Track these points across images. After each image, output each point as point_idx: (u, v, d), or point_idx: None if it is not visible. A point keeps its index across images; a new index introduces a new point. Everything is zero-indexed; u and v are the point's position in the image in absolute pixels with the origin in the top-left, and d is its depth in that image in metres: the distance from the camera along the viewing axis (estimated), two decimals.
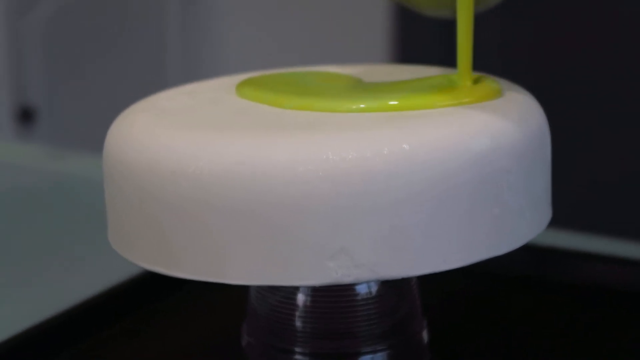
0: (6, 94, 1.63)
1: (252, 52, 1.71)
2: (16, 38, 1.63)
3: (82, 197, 0.72)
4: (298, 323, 0.40)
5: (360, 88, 0.40)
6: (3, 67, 1.62)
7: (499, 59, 1.38)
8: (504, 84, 0.40)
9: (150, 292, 0.50)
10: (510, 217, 0.36)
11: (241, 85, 0.41)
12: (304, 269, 0.34)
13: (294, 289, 0.40)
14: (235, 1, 1.76)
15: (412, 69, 0.44)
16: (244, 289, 0.44)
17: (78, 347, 0.46)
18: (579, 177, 1.30)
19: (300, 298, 0.40)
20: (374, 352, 0.40)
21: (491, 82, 0.39)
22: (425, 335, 0.41)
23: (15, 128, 1.64)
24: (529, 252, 0.42)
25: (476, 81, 0.39)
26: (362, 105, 0.37)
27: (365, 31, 1.57)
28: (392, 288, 0.40)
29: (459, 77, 0.39)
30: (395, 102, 0.37)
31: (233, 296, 0.47)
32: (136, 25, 1.75)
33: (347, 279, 0.34)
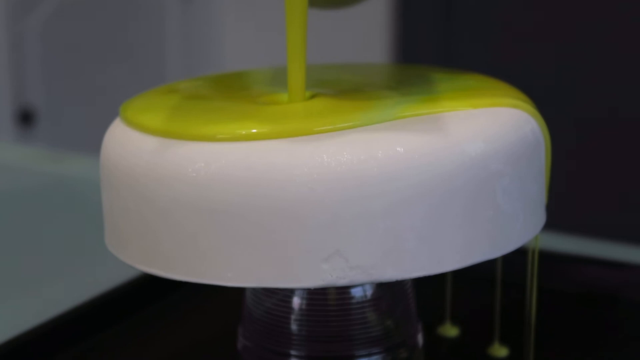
0: (6, 96, 1.63)
1: (251, 51, 1.71)
2: (16, 40, 1.63)
3: (82, 199, 0.72)
4: (293, 326, 0.40)
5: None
6: (3, 69, 1.62)
7: (498, 59, 1.38)
8: (501, 87, 0.40)
9: (147, 294, 0.50)
10: (504, 221, 0.36)
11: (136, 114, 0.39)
12: (299, 271, 0.34)
13: (290, 292, 0.40)
14: (234, 1, 1.76)
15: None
16: (239, 292, 0.44)
17: (74, 350, 0.46)
18: (572, 179, 1.30)
19: (296, 301, 0.40)
20: (369, 355, 0.40)
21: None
22: (420, 338, 0.42)
23: (14, 130, 1.64)
24: (522, 255, 0.42)
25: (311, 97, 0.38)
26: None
27: (366, 30, 1.58)
28: (387, 291, 0.40)
29: (290, 96, 0.38)
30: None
31: (229, 299, 0.47)
32: (135, 27, 1.75)
33: (341, 282, 0.34)
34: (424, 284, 0.42)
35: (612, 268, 0.51)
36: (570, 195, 1.30)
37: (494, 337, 0.45)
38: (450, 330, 0.47)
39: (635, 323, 0.48)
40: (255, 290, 0.41)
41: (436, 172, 0.34)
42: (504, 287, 0.46)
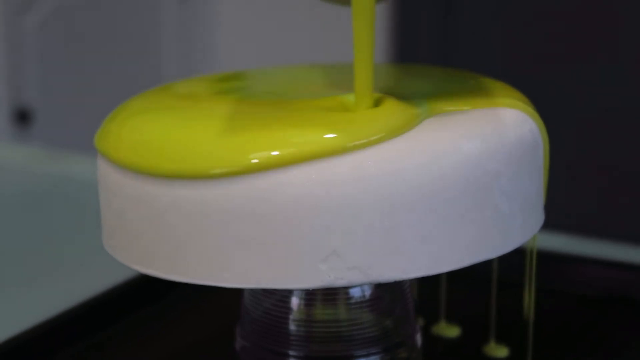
0: (3, 95, 1.63)
1: (248, 51, 1.71)
2: (13, 40, 1.63)
3: (79, 199, 0.72)
4: (292, 326, 0.40)
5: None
6: (0, 68, 1.62)
7: (499, 59, 1.38)
8: (499, 87, 0.40)
9: (145, 295, 0.50)
10: (502, 221, 0.36)
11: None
12: (297, 271, 0.34)
13: (288, 292, 0.40)
14: (232, 1, 1.76)
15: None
16: (237, 292, 0.44)
17: (72, 350, 0.46)
18: (573, 180, 1.30)
19: (294, 301, 0.40)
20: (367, 355, 0.40)
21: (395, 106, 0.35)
22: (418, 338, 0.42)
23: (11, 130, 1.64)
24: (521, 255, 0.42)
25: (377, 103, 0.35)
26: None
27: None
28: (385, 291, 0.40)
29: (356, 100, 0.35)
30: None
31: (227, 299, 0.47)
32: (132, 26, 1.75)
33: (339, 282, 0.34)
34: (422, 283, 0.42)
35: (612, 268, 0.51)
36: (569, 195, 1.30)
37: (492, 337, 0.45)
38: (449, 330, 0.47)
39: (636, 324, 0.48)
40: (253, 291, 0.41)
41: (433, 171, 0.34)
42: (503, 287, 0.46)
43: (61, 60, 1.69)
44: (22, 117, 1.65)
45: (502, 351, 0.45)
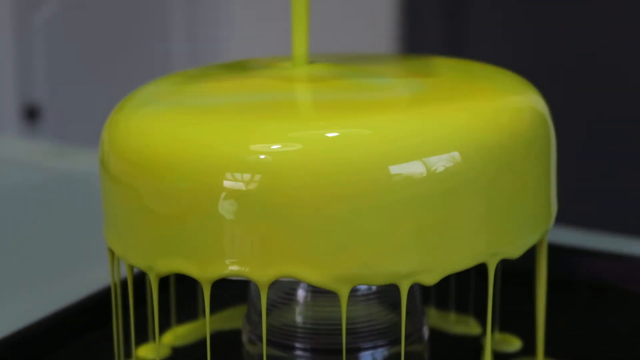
0: (12, 91, 1.63)
1: (256, 43, 1.71)
2: (22, 36, 1.63)
3: (87, 195, 0.72)
4: (298, 319, 0.40)
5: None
6: (9, 65, 1.62)
7: (503, 53, 1.38)
8: (511, 80, 0.39)
9: (146, 291, 0.50)
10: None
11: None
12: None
13: (294, 285, 0.40)
14: None
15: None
16: (243, 285, 0.44)
17: (77, 343, 0.46)
18: (574, 173, 1.30)
19: (301, 294, 0.40)
20: (374, 347, 0.39)
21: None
22: (425, 331, 0.41)
23: (20, 125, 1.64)
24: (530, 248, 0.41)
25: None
26: None
27: (370, 22, 1.57)
28: (392, 284, 0.40)
29: (294, 61, 0.37)
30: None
31: (232, 293, 0.47)
32: (141, 23, 1.75)
33: None
34: None
35: (619, 260, 0.51)
36: (576, 188, 1.30)
37: (500, 330, 0.45)
38: (457, 323, 0.47)
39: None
40: None
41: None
42: (512, 280, 0.45)
43: (70, 56, 1.69)
44: (31, 114, 1.65)
45: (510, 344, 0.45)
